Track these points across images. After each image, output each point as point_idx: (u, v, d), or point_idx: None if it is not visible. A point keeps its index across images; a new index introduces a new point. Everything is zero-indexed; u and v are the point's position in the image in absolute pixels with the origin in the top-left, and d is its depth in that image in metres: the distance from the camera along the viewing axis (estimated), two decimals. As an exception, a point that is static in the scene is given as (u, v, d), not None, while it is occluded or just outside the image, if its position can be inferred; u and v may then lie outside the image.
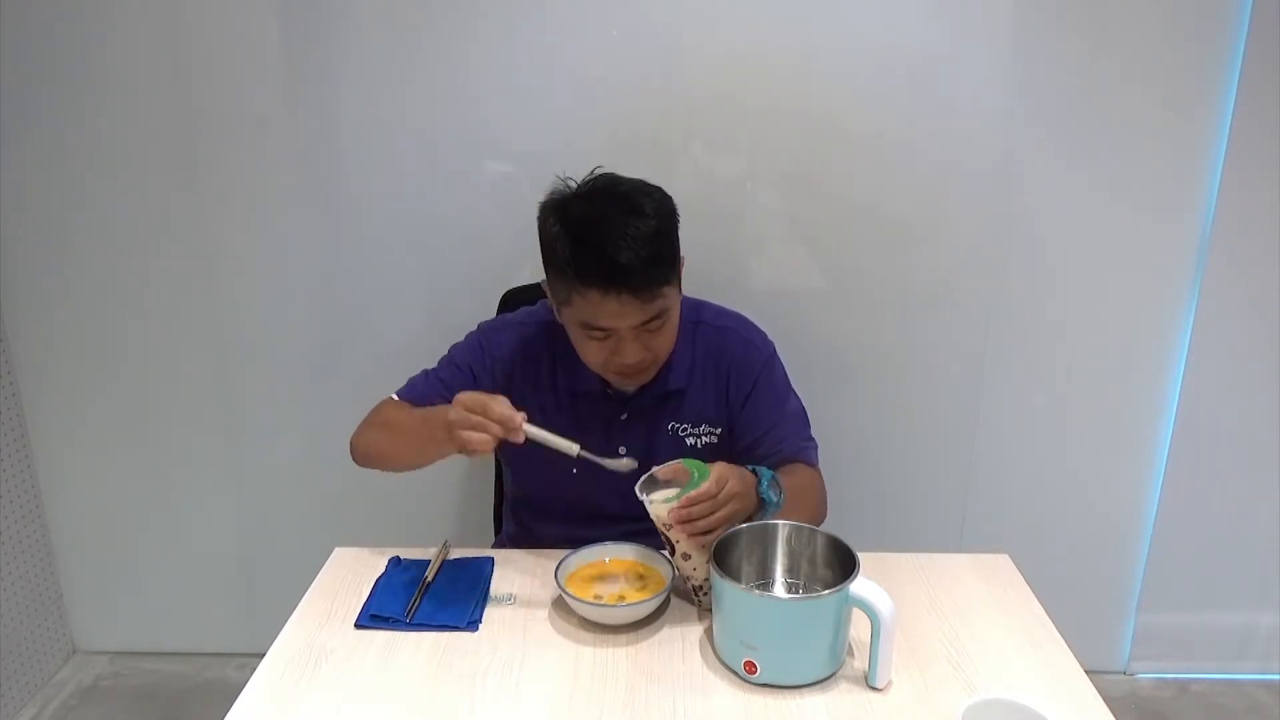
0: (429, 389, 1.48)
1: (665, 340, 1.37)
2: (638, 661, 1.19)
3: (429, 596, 1.32)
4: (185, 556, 2.29)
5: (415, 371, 1.59)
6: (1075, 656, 1.20)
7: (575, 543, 1.34)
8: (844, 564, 1.18)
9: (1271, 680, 2.27)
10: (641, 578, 1.30)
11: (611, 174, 1.37)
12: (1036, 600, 1.33)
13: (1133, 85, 1.88)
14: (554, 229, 1.31)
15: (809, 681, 1.15)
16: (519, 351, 1.49)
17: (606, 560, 1.33)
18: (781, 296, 1.91)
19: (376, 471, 2.12)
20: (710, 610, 1.23)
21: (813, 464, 1.50)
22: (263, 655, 1.21)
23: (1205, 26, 1.84)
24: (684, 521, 1.18)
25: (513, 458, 1.58)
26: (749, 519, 1.27)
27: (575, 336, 1.37)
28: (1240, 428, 2.10)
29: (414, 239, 2.02)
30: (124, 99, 1.94)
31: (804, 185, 1.97)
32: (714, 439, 1.49)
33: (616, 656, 1.20)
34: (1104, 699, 1.12)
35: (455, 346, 1.55)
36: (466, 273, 2.02)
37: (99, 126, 1.96)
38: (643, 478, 1.23)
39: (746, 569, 1.26)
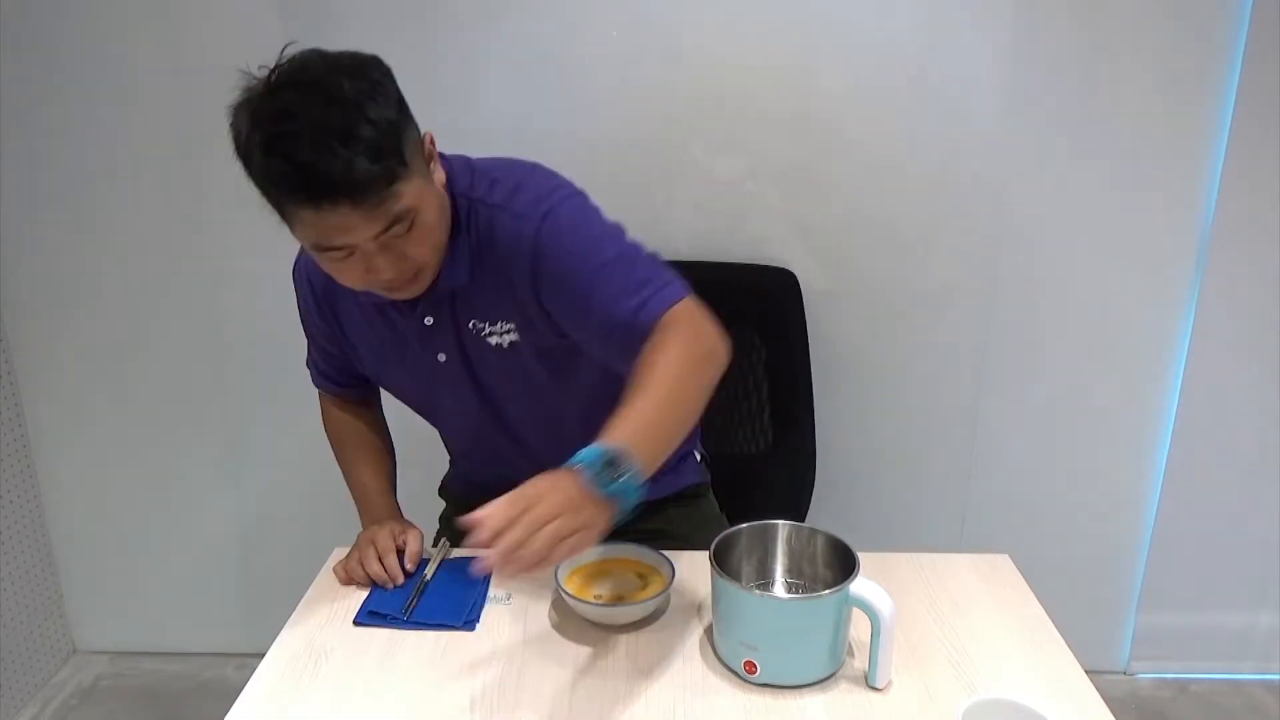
0: (322, 371, 1.50)
1: (422, 244, 1.12)
2: (637, 661, 1.19)
3: (427, 595, 1.31)
4: (185, 556, 2.29)
5: None
6: (1075, 656, 1.20)
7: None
8: (844, 564, 1.18)
9: (1271, 680, 2.27)
10: (642, 577, 1.30)
11: (307, 53, 1.10)
12: (1036, 600, 1.32)
13: (1132, 86, 1.88)
14: (242, 132, 1.08)
15: (809, 681, 1.14)
16: (315, 281, 1.34)
17: (606, 559, 1.33)
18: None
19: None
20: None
21: (659, 312, 1.14)
22: (263, 655, 1.21)
23: (1205, 27, 1.85)
24: (507, 560, 0.93)
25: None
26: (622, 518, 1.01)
27: (321, 262, 1.14)
28: (1240, 428, 2.10)
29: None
30: (125, 99, 1.95)
31: (804, 185, 1.97)
32: (514, 336, 1.25)
33: (616, 656, 1.20)
34: (1104, 699, 1.12)
35: (297, 301, 1.42)
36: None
37: (100, 127, 1.97)
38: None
39: (746, 569, 1.25)
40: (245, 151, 1.08)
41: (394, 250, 1.11)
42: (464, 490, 1.62)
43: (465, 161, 1.28)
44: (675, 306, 1.14)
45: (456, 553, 1.42)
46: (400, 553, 1.35)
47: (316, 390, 1.54)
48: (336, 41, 1.89)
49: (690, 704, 1.12)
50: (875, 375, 2.08)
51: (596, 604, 1.24)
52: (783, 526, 1.26)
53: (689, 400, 1.09)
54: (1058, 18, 1.85)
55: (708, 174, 1.96)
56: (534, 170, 1.26)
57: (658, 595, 1.24)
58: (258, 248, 2.04)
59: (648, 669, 1.17)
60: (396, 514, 1.44)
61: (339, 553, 1.44)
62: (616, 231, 1.21)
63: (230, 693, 1.13)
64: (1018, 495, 2.16)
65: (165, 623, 2.36)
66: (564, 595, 1.24)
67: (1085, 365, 2.07)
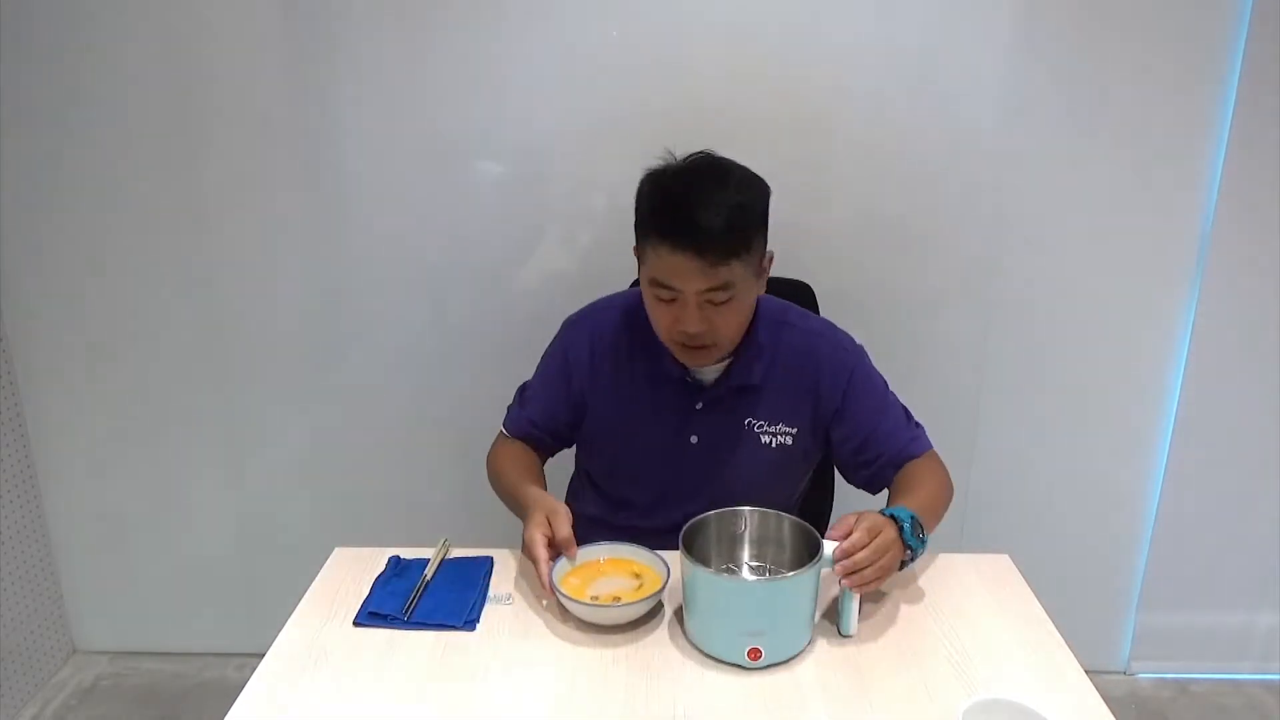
0: (523, 417, 1.57)
1: (730, 319, 1.36)
2: (636, 661, 1.19)
3: (427, 595, 1.32)
4: (185, 556, 2.29)
5: (414, 371, 1.62)
6: (1075, 656, 1.20)
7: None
8: (804, 540, 1.24)
9: (1271, 680, 2.27)
10: (637, 577, 1.31)
11: (714, 154, 1.38)
12: (1036, 600, 1.32)
13: (1132, 86, 1.88)
14: (645, 189, 1.36)
15: (800, 650, 1.18)
16: (598, 341, 1.51)
17: (602, 560, 1.33)
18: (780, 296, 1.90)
19: (377, 471, 2.14)
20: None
21: (925, 450, 1.50)
22: (263, 655, 1.21)
23: (1205, 27, 1.85)
24: (849, 573, 1.18)
25: (595, 452, 1.61)
26: (901, 565, 1.26)
27: (647, 299, 1.38)
28: (1240, 428, 2.10)
29: (414, 237, 2.02)
30: (124, 99, 1.94)
31: (804, 186, 1.97)
32: (789, 440, 1.48)
33: (616, 656, 1.20)
34: (1104, 699, 1.12)
35: (545, 353, 1.58)
36: (469, 274, 2.03)
37: (100, 126, 1.96)
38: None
39: (715, 560, 1.28)
40: (642, 198, 1.36)
41: (706, 313, 1.33)
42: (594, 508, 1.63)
43: (783, 303, 1.54)
44: (932, 450, 1.50)
45: (456, 552, 1.42)
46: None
47: (501, 432, 1.59)
48: (339, 43, 1.90)
49: (691, 699, 1.12)
50: None
51: (592, 604, 1.24)
52: (751, 514, 1.29)
53: (940, 514, 1.40)
54: (1058, 20, 1.85)
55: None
56: (826, 319, 1.58)
57: (653, 596, 1.24)
58: (258, 249, 2.05)
59: (647, 667, 1.17)
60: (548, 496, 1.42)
61: (339, 553, 1.44)
62: (886, 382, 1.53)
63: (230, 693, 1.13)
64: (1018, 495, 2.16)
65: (165, 623, 2.36)
66: (560, 597, 1.24)
67: (1085, 365, 2.07)
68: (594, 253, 1.99)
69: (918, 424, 1.52)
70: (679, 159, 1.38)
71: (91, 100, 1.95)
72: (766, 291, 1.47)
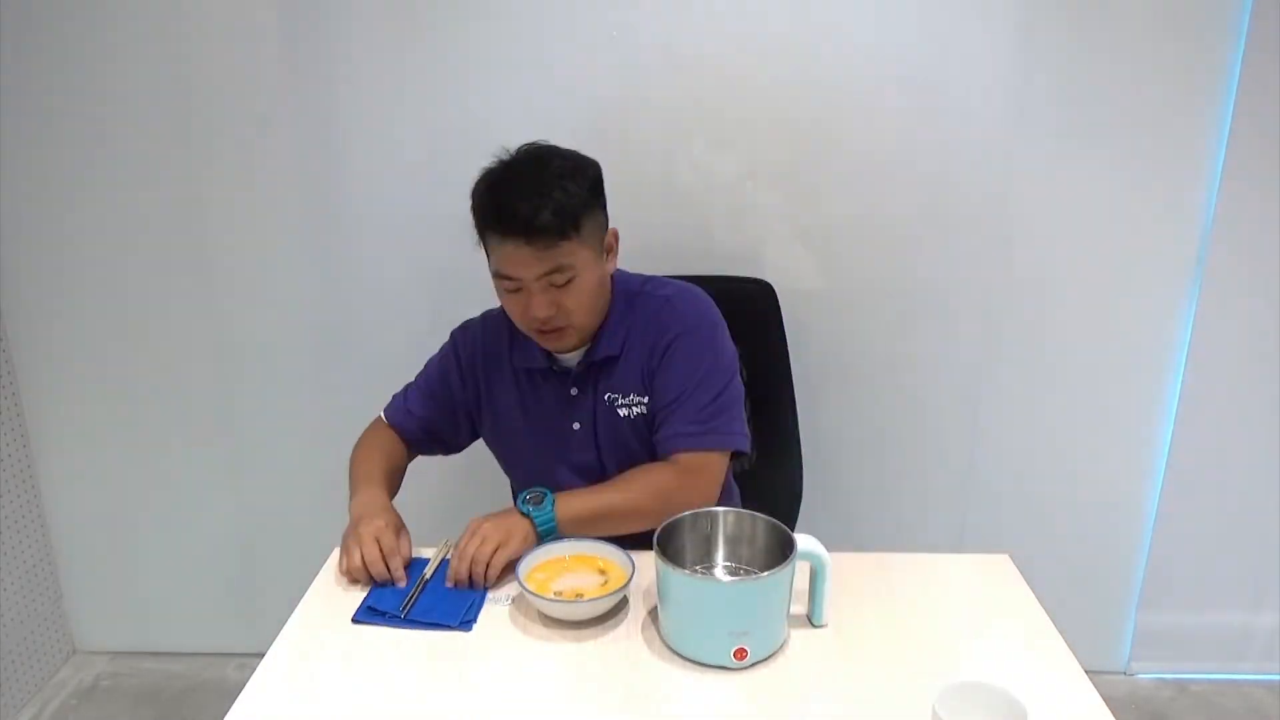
0: (404, 407, 1.62)
1: (577, 299, 1.38)
2: (633, 659, 1.19)
3: (426, 594, 1.32)
4: (185, 557, 2.29)
5: (414, 372, 1.61)
6: (1075, 656, 1.20)
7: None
8: (769, 535, 1.24)
9: (1271, 680, 2.27)
10: (602, 573, 1.30)
11: (542, 144, 1.41)
12: (1036, 600, 1.32)
13: (1132, 86, 1.88)
14: (476, 186, 1.39)
15: (779, 645, 1.19)
16: (482, 344, 1.56)
17: (567, 557, 1.33)
18: (781, 297, 1.90)
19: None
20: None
21: (692, 449, 1.42)
22: (263, 655, 1.21)
23: (1205, 27, 1.84)
24: (467, 573, 1.30)
25: (501, 456, 1.64)
26: (541, 539, 1.33)
27: (498, 293, 1.42)
28: (1240, 428, 2.10)
29: (413, 239, 2.02)
30: (123, 99, 1.94)
31: (804, 186, 1.97)
32: (643, 409, 1.47)
33: (616, 656, 1.20)
34: (1104, 699, 1.12)
35: (434, 356, 1.62)
36: (466, 272, 2.02)
37: (98, 126, 1.96)
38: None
39: (689, 564, 1.27)
40: (474, 194, 1.39)
41: (551, 295, 1.35)
42: None
43: (646, 275, 1.54)
44: (703, 454, 1.42)
45: None
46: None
47: (379, 416, 1.65)
48: (335, 43, 1.90)
49: (687, 697, 1.12)
50: (876, 375, 2.08)
51: (554, 600, 1.24)
52: (724, 514, 1.29)
53: (617, 517, 1.38)
54: (1058, 23, 1.85)
55: (707, 173, 1.96)
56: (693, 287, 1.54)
57: (618, 590, 1.24)
58: (259, 249, 2.05)
59: (645, 667, 1.17)
60: (391, 508, 1.46)
61: (339, 552, 1.44)
62: (730, 365, 1.47)
63: (230, 693, 1.13)
64: (1018, 495, 2.16)
65: (165, 623, 2.36)
66: (525, 592, 1.24)
67: (1085, 366, 2.07)
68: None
69: (716, 426, 1.43)
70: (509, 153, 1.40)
71: (91, 100, 1.95)
72: (716, 287, 1.51)
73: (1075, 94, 1.89)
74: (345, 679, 1.17)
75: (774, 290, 1.81)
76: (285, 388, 2.15)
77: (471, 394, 1.57)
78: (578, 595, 1.26)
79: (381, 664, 1.20)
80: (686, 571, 1.15)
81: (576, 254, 1.35)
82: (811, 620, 1.25)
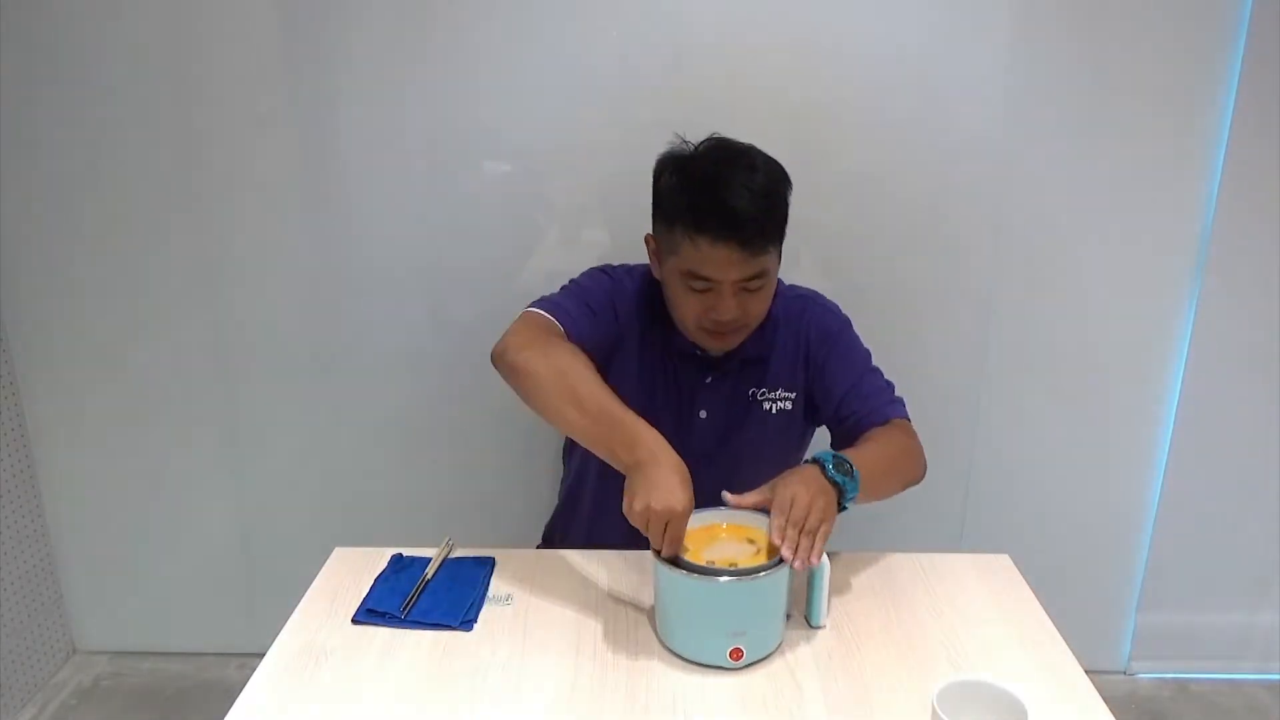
0: (574, 319, 1.38)
1: (761, 304, 1.38)
2: (631, 659, 1.19)
3: (427, 593, 1.32)
4: (185, 556, 2.29)
5: (415, 370, 1.60)
6: (1075, 656, 1.20)
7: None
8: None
9: (1271, 680, 2.27)
10: (752, 542, 1.21)
11: (727, 138, 1.39)
12: (1036, 600, 1.32)
13: (1132, 85, 1.88)
14: (671, 181, 1.35)
15: (776, 646, 1.18)
16: (634, 301, 1.48)
17: (724, 525, 1.23)
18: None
19: (378, 471, 2.12)
20: None
21: (897, 416, 1.46)
22: (263, 655, 1.21)
23: (1205, 26, 1.84)
24: (794, 550, 1.12)
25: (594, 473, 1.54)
26: (840, 509, 1.22)
27: (675, 289, 1.37)
28: (1240, 428, 2.10)
29: (414, 237, 2.02)
30: (123, 98, 1.94)
31: (803, 186, 1.96)
32: (789, 405, 1.50)
33: (612, 656, 1.20)
34: (1104, 699, 1.12)
35: (584, 276, 1.49)
36: (466, 272, 2.02)
37: (97, 125, 1.96)
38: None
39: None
40: (670, 190, 1.35)
41: (739, 300, 1.34)
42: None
43: None
44: (905, 420, 1.46)
45: (459, 552, 1.42)
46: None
47: (534, 316, 1.38)
48: (337, 44, 1.90)
49: (682, 697, 1.12)
50: None
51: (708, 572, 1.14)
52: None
53: (894, 475, 1.36)
54: (1057, 23, 1.85)
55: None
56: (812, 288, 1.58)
57: (772, 561, 1.16)
58: (257, 245, 2.05)
59: (644, 667, 1.17)
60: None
61: (339, 552, 1.44)
62: (871, 355, 1.53)
63: (231, 693, 1.13)
64: (1018, 495, 2.16)
65: (165, 622, 2.36)
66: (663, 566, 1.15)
67: (1085, 365, 2.07)
68: (594, 252, 1.98)
69: (899, 397, 1.50)
70: (693, 145, 1.37)
71: (91, 100, 1.95)
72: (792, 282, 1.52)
73: (1074, 95, 1.89)
74: (346, 679, 1.17)
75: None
76: (286, 387, 2.15)
77: (617, 335, 1.45)
78: (731, 564, 1.16)
79: (383, 663, 1.20)
80: (682, 570, 1.15)
81: (773, 261, 1.36)
82: (809, 621, 1.25)
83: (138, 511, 2.26)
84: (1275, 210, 1.95)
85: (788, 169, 1.93)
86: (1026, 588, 1.36)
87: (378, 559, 1.41)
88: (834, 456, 1.24)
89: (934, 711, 0.97)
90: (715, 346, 1.43)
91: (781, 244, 1.39)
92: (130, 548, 2.29)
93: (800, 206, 1.97)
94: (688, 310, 1.37)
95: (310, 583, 1.37)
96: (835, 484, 1.21)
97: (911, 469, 1.41)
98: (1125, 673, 2.29)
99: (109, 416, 2.18)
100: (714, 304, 1.34)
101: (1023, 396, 2.10)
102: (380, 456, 2.18)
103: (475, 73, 1.90)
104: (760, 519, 1.22)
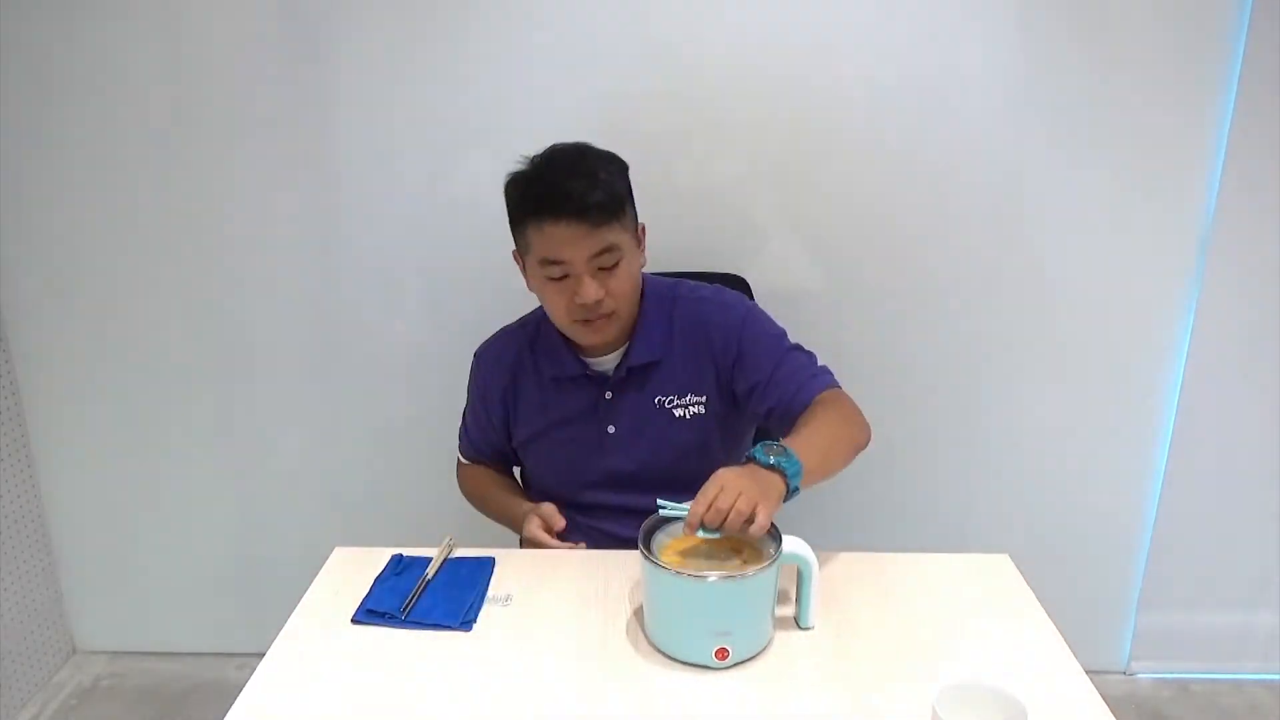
0: (472, 443, 1.68)
1: (622, 284, 1.40)
2: (629, 660, 1.19)
3: (427, 594, 1.32)
4: (185, 556, 2.29)
5: (413, 370, 1.65)
6: (1075, 656, 1.20)
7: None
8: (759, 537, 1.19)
9: (1272, 680, 2.27)
10: (737, 553, 1.20)
11: (568, 143, 1.45)
12: (1036, 600, 1.32)
13: (1132, 86, 1.88)
14: (513, 190, 1.41)
15: (764, 646, 1.18)
16: (505, 359, 1.58)
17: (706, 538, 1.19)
18: (782, 296, 1.90)
19: (377, 471, 2.14)
20: None
21: (825, 387, 1.45)
22: (263, 655, 1.21)
23: (1206, 26, 1.84)
24: (712, 525, 1.13)
25: (531, 466, 1.66)
26: (786, 497, 1.20)
27: (540, 286, 1.43)
28: (1240, 427, 2.09)
29: (414, 238, 2.02)
30: (120, 98, 1.95)
31: (804, 185, 1.97)
32: (701, 409, 1.51)
33: (614, 656, 1.20)
34: (1104, 699, 1.12)
35: (468, 386, 1.66)
36: (466, 273, 2.02)
37: (96, 126, 1.96)
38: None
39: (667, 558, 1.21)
40: (511, 195, 1.41)
41: (602, 280, 1.38)
42: None
43: (669, 279, 1.57)
44: (834, 388, 1.46)
45: (460, 552, 1.42)
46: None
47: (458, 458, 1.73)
48: (335, 42, 1.89)
49: (688, 698, 1.12)
50: (876, 375, 2.05)
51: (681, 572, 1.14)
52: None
53: (838, 445, 1.35)
54: (1057, 23, 1.84)
55: (708, 171, 1.96)
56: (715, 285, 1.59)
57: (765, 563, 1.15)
58: (259, 250, 2.05)
59: (643, 668, 1.17)
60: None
61: (339, 552, 1.44)
62: (784, 331, 1.53)
63: (230, 693, 1.13)
64: (1018, 495, 2.16)
65: (165, 622, 2.36)
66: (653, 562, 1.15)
67: (1085, 365, 2.07)
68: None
69: (822, 368, 1.50)
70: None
71: (89, 100, 1.95)
72: (698, 282, 1.55)
73: (1074, 93, 1.89)
74: (345, 679, 1.17)
75: (747, 284, 1.82)
76: (285, 387, 2.15)
77: (508, 410, 1.59)
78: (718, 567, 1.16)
79: (382, 663, 1.19)
80: (670, 568, 1.14)
81: (622, 237, 1.39)
82: (799, 623, 1.24)
83: (137, 511, 2.26)
84: (1276, 209, 1.94)
85: (788, 170, 1.96)
86: (1026, 588, 1.35)
87: (378, 559, 1.41)
88: (763, 445, 1.23)
89: (934, 714, 0.97)
90: (592, 338, 1.45)
91: (631, 224, 1.42)
92: (130, 547, 2.29)
93: (801, 206, 1.99)
94: (558, 305, 1.42)
95: (310, 582, 1.37)
96: (770, 467, 1.20)
97: (855, 434, 1.39)
98: (1125, 673, 2.29)
99: (109, 416, 2.18)
100: (575, 288, 1.38)
101: (1023, 396, 2.09)
102: (380, 456, 2.18)
103: (474, 71, 1.91)
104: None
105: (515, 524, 1.55)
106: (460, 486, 1.72)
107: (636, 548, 1.17)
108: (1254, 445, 2.11)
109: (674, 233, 1.95)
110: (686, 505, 1.17)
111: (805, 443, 1.28)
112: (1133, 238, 1.98)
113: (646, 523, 1.22)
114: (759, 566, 1.14)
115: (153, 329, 2.11)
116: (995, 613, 1.30)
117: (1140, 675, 2.29)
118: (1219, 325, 2.01)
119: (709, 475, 1.19)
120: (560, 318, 1.44)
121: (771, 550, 1.17)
